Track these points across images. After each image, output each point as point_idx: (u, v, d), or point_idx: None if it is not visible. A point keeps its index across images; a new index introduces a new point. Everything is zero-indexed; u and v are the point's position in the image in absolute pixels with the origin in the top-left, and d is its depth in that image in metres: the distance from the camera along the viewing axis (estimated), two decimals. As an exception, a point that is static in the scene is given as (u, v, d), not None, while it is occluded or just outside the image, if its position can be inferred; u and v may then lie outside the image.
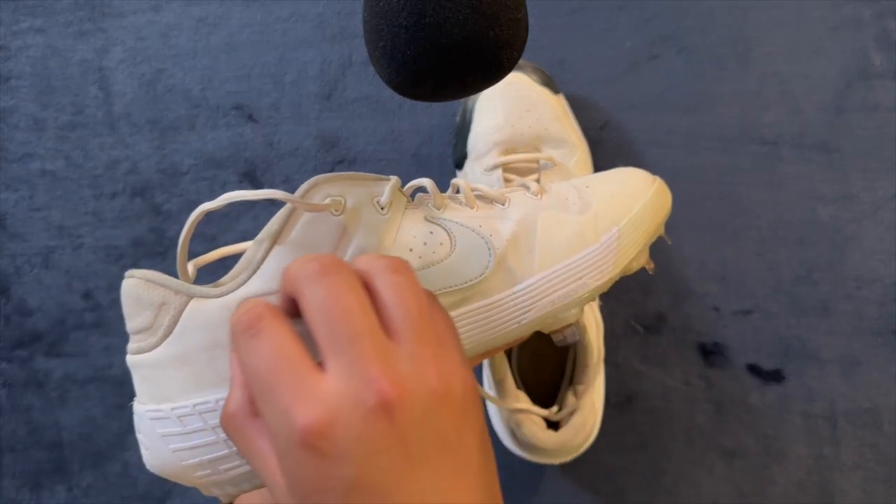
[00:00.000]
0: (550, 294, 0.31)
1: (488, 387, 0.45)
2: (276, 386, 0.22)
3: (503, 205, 0.33)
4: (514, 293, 0.31)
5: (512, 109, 0.45)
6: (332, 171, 0.53)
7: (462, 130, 0.47)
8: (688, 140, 0.51)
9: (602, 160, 0.51)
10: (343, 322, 0.22)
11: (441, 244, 0.30)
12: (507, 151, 0.45)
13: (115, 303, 0.54)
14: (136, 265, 0.53)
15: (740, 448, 0.49)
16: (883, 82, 0.50)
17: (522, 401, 0.45)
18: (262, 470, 0.23)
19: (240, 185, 0.53)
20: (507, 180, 0.44)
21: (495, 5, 0.24)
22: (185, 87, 0.54)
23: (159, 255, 0.53)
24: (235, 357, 0.24)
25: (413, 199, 0.32)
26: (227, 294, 0.26)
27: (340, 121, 0.53)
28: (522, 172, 0.45)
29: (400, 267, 0.24)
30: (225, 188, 0.53)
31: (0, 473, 0.54)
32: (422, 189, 0.33)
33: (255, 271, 0.27)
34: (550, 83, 0.47)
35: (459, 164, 0.48)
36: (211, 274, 0.34)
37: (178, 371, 0.27)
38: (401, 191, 0.31)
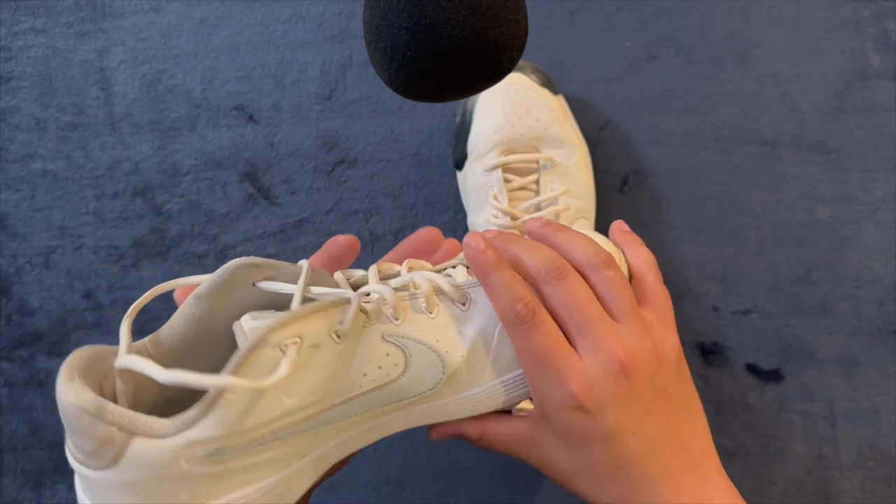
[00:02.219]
0: (501, 397, 0.32)
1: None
2: (550, 364, 0.29)
3: (464, 305, 0.32)
4: (462, 397, 0.32)
5: (512, 110, 0.45)
6: (332, 171, 0.53)
7: (462, 131, 0.48)
8: (687, 140, 0.51)
9: (601, 160, 0.51)
10: (580, 314, 0.29)
11: (396, 365, 0.30)
12: (506, 152, 0.45)
13: (117, 303, 0.54)
14: (136, 265, 0.54)
15: (739, 447, 0.49)
16: (882, 83, 0.50)
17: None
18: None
19: (241, 185, 0.54)
20: (506, 180, 0.45)
21: (495, 6, 0.24)
22: (186, 88, 0.54)
23: (160, 256, 0.54)
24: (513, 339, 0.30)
25: (372, 303, 0.30)
26: (172, 436, 0.24)
27: (341, 121, 0.53)
28: (522, 173, 0.45)
29: (609, 263, 0.31)
30: (226, 188, 0.54)
31: (1, 473, 0.54)
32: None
33: (203, 415, 0.25)
34: (550, 84, 0.47)
35: (459, 164, 0.48)
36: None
37: (125, 495, 0.26)
38: (362, 308, 0.29)
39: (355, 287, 0.32)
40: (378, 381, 0.30)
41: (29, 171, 0.55)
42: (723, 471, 0.31)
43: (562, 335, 0.30)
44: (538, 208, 0.44)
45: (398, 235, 0.53)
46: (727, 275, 0.50)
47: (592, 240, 0.32)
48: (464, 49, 0.24)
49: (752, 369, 0.50)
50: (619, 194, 0.51)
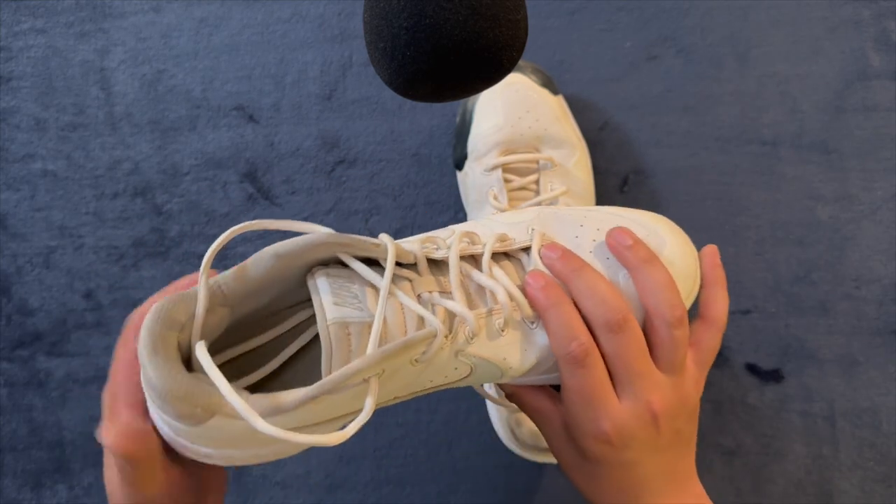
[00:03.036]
0: (526, 378, 0.35)
1: (488, 387, 0.46)
2: (591, 403, 0.32)
3: (533, 324, 0.32)
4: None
5: (512, 110, 0.45)
6: (332, 171, 0.53)
7: (462, 131, 0.48)
8: (687, 140, 0.51)
9: (601, 161, 0.51)
10: (629, 366, 0.32)
11: (461, 375, 0.32)
12: (506, 152, 0.45)
13: (117, 303, 0.54)
14: (137, 265, 0.54)
15: (739, 447, 0.50)
16: (882, 83, 0.50)
17: None
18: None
19: (241, 185, 0.54)
20: (506, 180, 0.45)
21: (495, 6, 0.24)
22: (186, 88, 0.54)
23: (160, 256, 0.54)
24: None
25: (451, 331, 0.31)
26: (252, 421, 0.25)
27: (341, 121, 0.53)
28: (522, 173, 0.45)
29: (680, 321, 0.32)
30: (226, 188, 0.54)
31: (1, 473, 0.54)
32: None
33: (289, 410, 0.26)
34: (550, 84, 0.47)
35: (459, 164, 0.48)
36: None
37: (205, 441, 0.28)
38: (446, 336, 0.30)
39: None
40: (442, 384, 0.32)
41: (29, 171, 0.55)
42: (696, 479, 0.35)
43: (608, 378, 0.32)
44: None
45: (398, 235, 0.52)
46: (727, 275, 0.50)
47: (676, 289, 0.33)
48: (464, 49, 0.24)
49: (752, 369, 0.50)
50: (619, 194, 0.51)
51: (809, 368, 0.49)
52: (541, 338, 0.33)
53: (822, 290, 0.50)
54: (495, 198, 0.44)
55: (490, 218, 0.36)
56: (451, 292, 0.30)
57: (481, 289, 0.32)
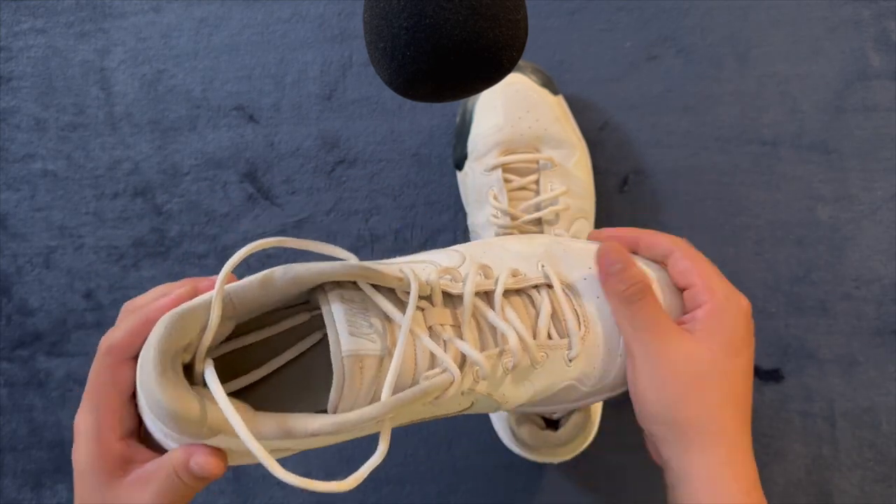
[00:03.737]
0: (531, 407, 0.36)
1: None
2: (660, 335, 0.32)
3: (537, 367, 0.33)
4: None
5: (512, 110, 0.45)
6: (332, 171, 0.53)
7: (462, 131, 0.48)
8: (687, 140, 0.51)
9: (601, 161, 0.51)
10: (713, 271, 0.34)
11: (460, 408, 0.33)
12: (506, 152, 0.45)
13: (117, 303, 0.54)
14: (137, 265, 0.54)
15: (739, 447, 0.50)
16: (882, 83, 0.50)
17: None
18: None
19: (241, 185, 0.54)
20: (506, 180, 0.45)
21: (495, 6, 0.24)
22: (186, 88, 0.54)
23: (160, 256, 0.54)
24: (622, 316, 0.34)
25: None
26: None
27: (341, 121, 0.53)
28: (522, 173, 0.45)
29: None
30: (226, 188, 0.54)
31: (1, 473, 0.54)
32: None
33: (298, 437, 0.27)
34: (550, 84, 0.47)
35: (459, 164, 0.48)
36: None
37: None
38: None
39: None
40: (442, 415, 0.33)
41: (29, 171, 0.55)
42: None
43: (666, 313, 0.33)
44: (538, 208, 0.44)
45: (398, 235, 0.53)
46: (727, 274, 0.50)
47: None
48: (464, 49, 0.24)
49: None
50: (619, 194, 0.51)
51: (809, 368, 0.49)
52: (539, 378, 0.33)
53: (822, 290, 0.50)
54: (495, 198, 0.44)
55: (501, 244, 0.36)
56: (461, 328, 0.30)
57: (493, 328, 0.32)
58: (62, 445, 0.54)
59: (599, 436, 0.48)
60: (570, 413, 0.45)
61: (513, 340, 0.31)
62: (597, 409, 0.48)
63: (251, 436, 0.25)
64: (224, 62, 0.54)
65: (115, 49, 0.55)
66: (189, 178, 0.54)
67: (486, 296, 0.32)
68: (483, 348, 0.31)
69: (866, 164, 0.50)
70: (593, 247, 0.36)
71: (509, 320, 0.32)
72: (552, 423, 0.45)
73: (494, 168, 0.45)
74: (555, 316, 0.34)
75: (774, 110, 0.51)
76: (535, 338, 0.33)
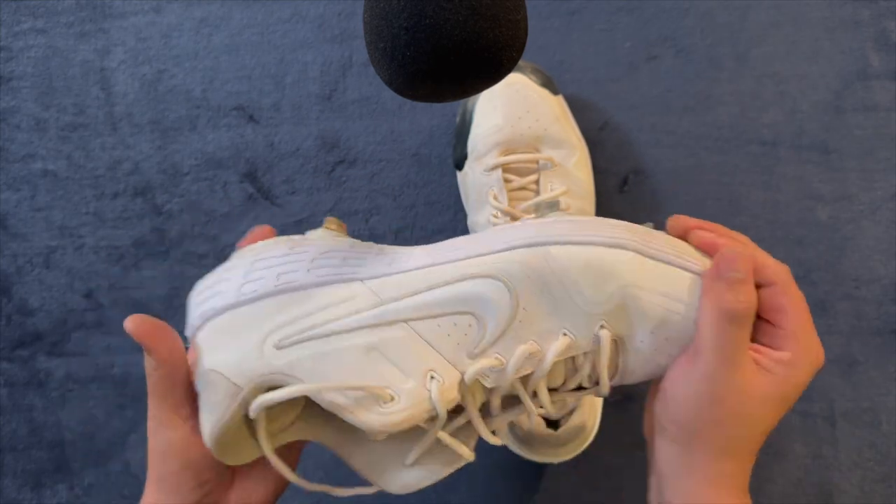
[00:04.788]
0: None
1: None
2: (735, 364, 0.30)
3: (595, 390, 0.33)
4: None
5: (512, 110, 0.45)
6: (332, 171, 0.53)
7: (462, 131, 0.48)
8: (686, 140, 0.51)
9: (601, 161, 0.51)
10: (807, 319, 0.32)
11: None
12: (506, 152, 0.45)
13: (117, 303, 0.54)
14: (137, 265, 0.54)
15: (739, 447, 0.50)
16: (881, 83, 0.50)
17: None
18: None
19: (241, 185, 0.54)
20: (506, 180, 0.45)
21: (495, 6, 0.24)
22: (187, 88, 0.54)
23: (160, 256, 0.54)
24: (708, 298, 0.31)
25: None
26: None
27: (341, 121, 0.53)
28: (522, 173, 0.45)
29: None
30: (226, 188, 0.54)
31: (1, 473, 0.54)
32: None
33: None
34: (550, 84, 0.47)
35: (459, 164, 0.48)
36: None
37: None
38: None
39: None
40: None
41: (29, 171, 0.55)
42: None
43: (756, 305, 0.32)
44: (538, 208, 0.44)
45: (398, 235, 0.53)
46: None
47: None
48: (464, 49, 0.24)
49: (752, 369, 0.50)
50: (619, 194, 0.51)
51: (809, 368, 0.49)
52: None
53: (822, 290, 0.50)
54: (495, 198, 0.44)
55: (568, 281, 0.30)
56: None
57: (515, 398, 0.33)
58: (62, 445, 0.54)
59: (599, 436, 0.48)
60: (570, 413, 0.45)
61: (531, 421, 0.32)
62: (597, 410, 0.48)
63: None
64: (224, 62, 0.54)
65: (116, 49, 0.55)
66: (189, 178, 0.54)
67: (524, 381, 0.32)
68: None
69: (866, 164, 0.50)
70: (681, 275, 0.31)
71: (539, 404, 0.32)
72: (552, 423, 0.45)
73: (494, 168, 0.45)
74: (592, 370, 0.32)
75: (774, 110, 0.51)
76: (558, 391, 0.32)
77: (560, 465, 0.49)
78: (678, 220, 0.34)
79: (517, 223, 0.34)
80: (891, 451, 0.49)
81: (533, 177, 0.45)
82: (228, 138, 0.54)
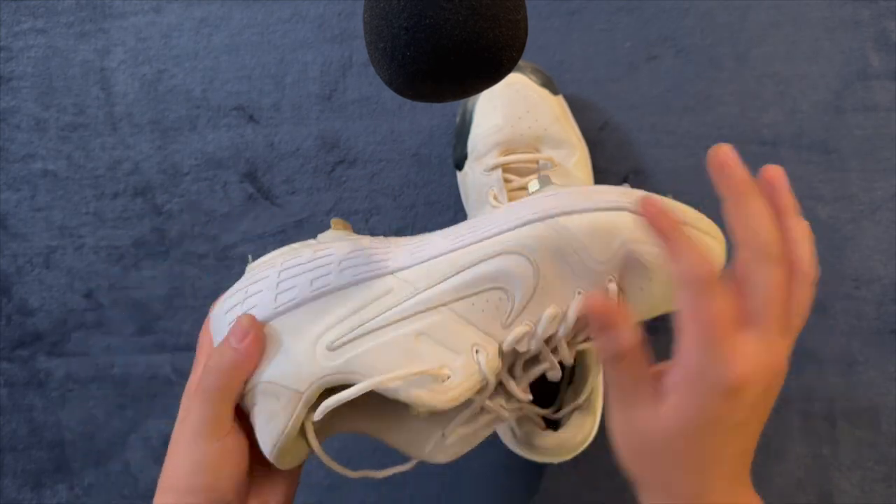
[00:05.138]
0: None
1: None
2: (720, 338, 0.28)
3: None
4: None
5: (511, 110, 0.45)
6: (332, 171, 0.53)
7: (462, 131, 0.48)
8: (686, 140, 0.51)
9: (601, 161, 0.51)
10: (776, 306, 0.28)
11: None
12: (506, 152, 0.45)
13: (117, 303, 0.54)
14: (137, 265, 0.54)
15: (739, 447, 0.50)
16: (881, 83, 0.50)
17: None
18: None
19: (241, 185, 0.54)
20: (506, 180, 0.45)
21: (495, 6, 0.24)
22: (187, 88, 0.54)
23: (160, 256, 0.54)
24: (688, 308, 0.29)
25: None
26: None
27: (341, 121, 0.53)
28: (522, 173, 0.45)
29: (813, 283, 0.30)
30: (226, 188, 0.54)
31: (1, 473, 0.54)
32: None
33: None
34: (550, 84, 0.47)
35: (459, 164, 0.48)
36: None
37: None
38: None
39: None
40: None
41: (29, 171, 0.55)
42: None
43: (734, 315, 0.28)
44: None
45: (398, 235, 0.52)
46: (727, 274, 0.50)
47: (813, 244, 0.31)
48: (464, 49, 0.24)
49: (752, 369, 0.50)
50: (618, 194, 0.51)
51: (809, 368, 0.49)
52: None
53: (822, 290, 0.50)
54: (495, 198, 0.44)
55: (578, 244, 0.33)
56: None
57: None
58: (62, 445, 0.54)
59: (599, 435, 0.48)
60: (571, 413, 0.45)
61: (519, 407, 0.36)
62: (597, 410, 0.48)
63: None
64: (224, 62, 0.54)
65: (116, 49, 0.55)
66: (189, 178, 0.54)
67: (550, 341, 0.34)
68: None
69: (866, 164, 0.50)
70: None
71: (559, 358, 0.35)
72: (552, 423, 0.45)
73: (494, 168, 0.45)
74: None
75: (774, 110, 0.51)
76: (572, 343, 0.35)
77: (560, 465, 0.49)
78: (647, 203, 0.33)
79: (521, 201, 0.35)
80: (891, 451, 0.49)
81: (533, 177, 0.45)
82: (228, 138, 0.54)
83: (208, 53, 0.54)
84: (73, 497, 0.54)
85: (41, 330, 0.54)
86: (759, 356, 0.28)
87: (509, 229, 0.33)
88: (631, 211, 0.34)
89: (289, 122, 0.53)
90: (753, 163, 0.51)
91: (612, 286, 0.33)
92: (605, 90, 0.52)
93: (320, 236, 0.37)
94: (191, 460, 0.31)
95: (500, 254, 0.32)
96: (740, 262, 0.29)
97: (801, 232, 0.30)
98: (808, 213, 0.50)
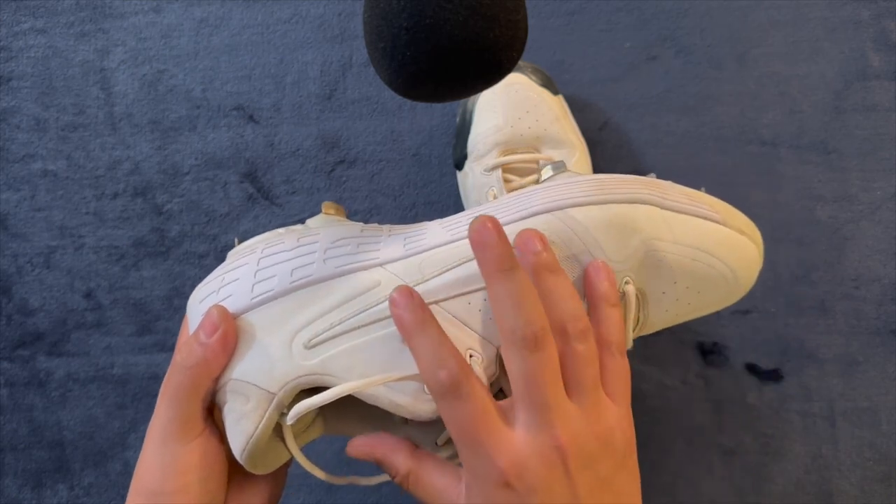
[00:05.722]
0: None
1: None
2: (479, 438, 0.27)
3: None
4: None
5: (511, 110, 0.45)
6: (332, 171, 0.53)
7: (462, 131, 0.48)
8: (686, 140, 0.51)
9: (601, 161, 0.51)
10: (539, 393, 0.27)
11: None
12: (506, 152, 0.45)
13: (117, 303, 0.54)
14: (137, 265, 0.54)
15: (739, 447, 0.50)
16: (881, 83, 0.50)
17: None
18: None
19: (241, 185, 0.54)
20: (506, 180, 0.45)
21: (495, 6, 0.24)
22: (187, 88, 0.54)
23: (160, 256, 0.54)
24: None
25: None
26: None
27: (341, 121, 0.53)
28: (522, 173, 0.45)
29: (584, 335, 0.28)
30: (226, 188, 0.54)
31: (1, 472, 0.54)
32: None
33: None
34: (550, 84, 0.47)
35: (459, 164, 0.48)
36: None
37: None
38: None
39: None
40: None
41: (29, 171, 0.55)
42: None
43: (495, 407, 0.28)
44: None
45: (398, 235, 0.53)
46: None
47: (578, 300, 0.29)
48: (463, 49, 0.24)
49: (752, 369, 0.50)
50: (618, 194, 0.51)
51: (809, 368, 0.49)
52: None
53: (822, 290, 0.50)
54: (495, 198, 0.44)
55: (591, 235, 0.30)
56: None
57: None
58: (62, 445, 0.54)
59: (599, 436, 0.48)
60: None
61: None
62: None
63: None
64: (224, 62, 0.54)
65: (116, 49, 0.55)
66: (189, 178, 0.54)
67: None
68: None
69: (866, 164, 0.50)
70: (699, 223, 0.31)
71: None
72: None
73: (494, 168, 0.45)
74: None
75: (774, 110, 0.51)
76: None
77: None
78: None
79: (531, 189, 0.32)
80: (891, 451, 0.49)
81: (533, 177, 0.45)
82: (228, 138, 0.54)
83: (208, 53, 0.54)
84: (73, 497, 0.54)
85: (41, 330, 0.54)
86: (536, 438, 0.27)
87: (514, 220, 0.30)
88: (653, 204, 0.30)
89: (289, 122, 0.53)
90: (753, 163, 0.51)
91: (630, 288, 0.30)
92: (605, 90, 0.52)
93: (309, 221, 0.34)
94: (160, 463, 0.29)
95: None
96: (502, 348, 0.28)
97: (548, 291, 0.28)
98: (808, 213, 0.50)
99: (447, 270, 0.29)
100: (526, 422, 0.27)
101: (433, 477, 0.29)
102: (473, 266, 0.29)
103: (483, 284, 0.29)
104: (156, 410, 0.30)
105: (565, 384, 0.28)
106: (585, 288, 0.30)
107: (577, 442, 0.27)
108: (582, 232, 0.29)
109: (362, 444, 0.31)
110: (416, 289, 0.29)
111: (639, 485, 0.30)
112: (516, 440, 0.27)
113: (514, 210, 0.30)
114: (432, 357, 0.27)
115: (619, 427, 0.29)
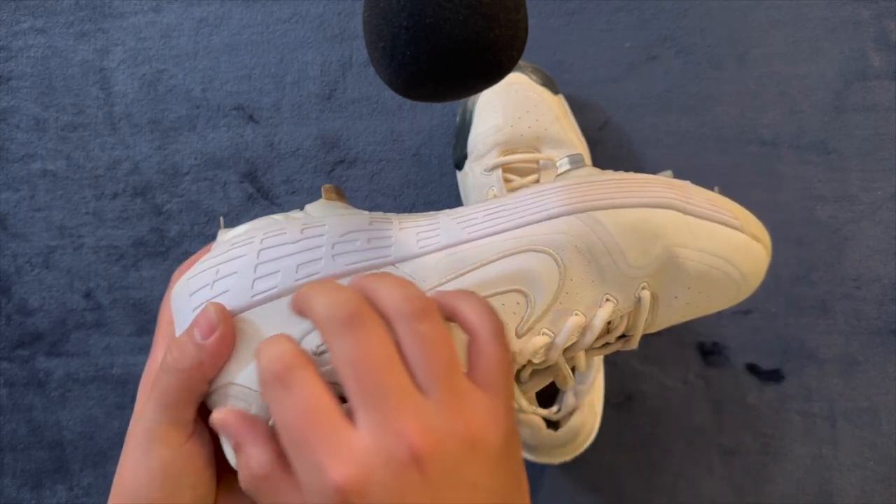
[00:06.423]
0: None
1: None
2: (308, 441, 0.22)
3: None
4: None
5: (512, 110, 0.45)
6: (332, 171, 0.53)
7: (462, 131, 0.48)
8: (686, 140, 0.51)
9: (602, 161, 0.51)
10: (372, 378, 0.22)
11: None
12: (506, 152, 0.45)
13: (117, 303, 0.54)
14: (137, 265, 0.54)
15: (739, 447, 0.50)
16: (881, 83, 0.50)
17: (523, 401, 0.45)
18: None
19: (241, 185, 0.54)
20: (506, 180, 0.45)
21: (495, 6, 0.24)
22: (186, 88, 0.54)
23: (160, 256, 0.54)
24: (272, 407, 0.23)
25: None
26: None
27: (341, 121, 0.53)
28: (522, 173, 0.45)
29: (425, 313, 0.24)
30: (226, 188, 0.54)
31: (1, 473, 0.54)
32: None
33: None
34: (550, 84, 0.47)
35: (459, 164, 0.48)
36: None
37: None
38: None
39: None
40: None
41: (29, 171, 0.55)
42: None
43: (332, 402, 0.23)
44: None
45: (398, 235, 0.53)
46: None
47: (407, 283, 0.25)
48: (463, 49, 0.24)
49: (752, 369, 0.50)
50: (618, 194, 0.51)
51: (809, 368, 0.49)
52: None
53: (822, 290, 0.50)
54: (495, 198, 0.44)
55: (615, 247, 0.29)
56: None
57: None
58: (62, 445, 0.54)
59: (599, 436, 0.48)
60: (570, 413, 0.45)
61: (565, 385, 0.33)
62: (597, 411, 0.48)
63: None
64: (224, 62, 0.54)
65: (115, 49, 0.55)
66: (189, 178, 0.54)
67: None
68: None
69: (866, 164, 0.50)
70: (719, 230, 0.30)
71: (572, 365, 0.31)
72: (552, 424, 0.45)
73: (494, 168, 0.45)
74: (625, 327, 0.31)
75: (774, 110, 0.51)
76: (588, 351, 0.32)
77: (560, 465, 0.49)
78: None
79: (548, 185, 0.31)
80: (891, 451, 0.49)
81: (533, 177, 0.45)
82: (228, 138, 0.54)
83: (208, 53, 0.54)
84: (73, 497, 0.54)
85: (41, 330, 0.54)
86: (380, 440, 0.22)
87: (535, 221, 0.28)
88: (677, 209, 0.29)
89: (289, 122, 0.53)
90: (753, 163, 0.51)
91: (645, 294, 0.29)
92: (605, 90, 0.52)
93: (308, 207, 0.31)
94: (146, 467, 0.26)
95: (523, 250, 0.28)
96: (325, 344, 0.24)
97: (374, 284, 0.25)
98: (808, 213, 0.50)
99: (464, 274, 0.28)
100: (366, 421, 0.22)
101: (285, 487, 0.24)
102: (491, 270, 0.28)
103: (500, 289, 0.28)
104: (138, 411, 0.28)
105: (411, 373, 0.23)
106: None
107: (433, 440, 0.22)
108: (605, 236, 0.28)
109: (222, 417, 0.26)
110: (431, 292, 0.27)
111: (525, 482, 0.25)
112: (356, 444, 0.22)
113: (532, 210, 0.29)
114: (271, 352, 0.24)
115: (492, 421, 0.24)
